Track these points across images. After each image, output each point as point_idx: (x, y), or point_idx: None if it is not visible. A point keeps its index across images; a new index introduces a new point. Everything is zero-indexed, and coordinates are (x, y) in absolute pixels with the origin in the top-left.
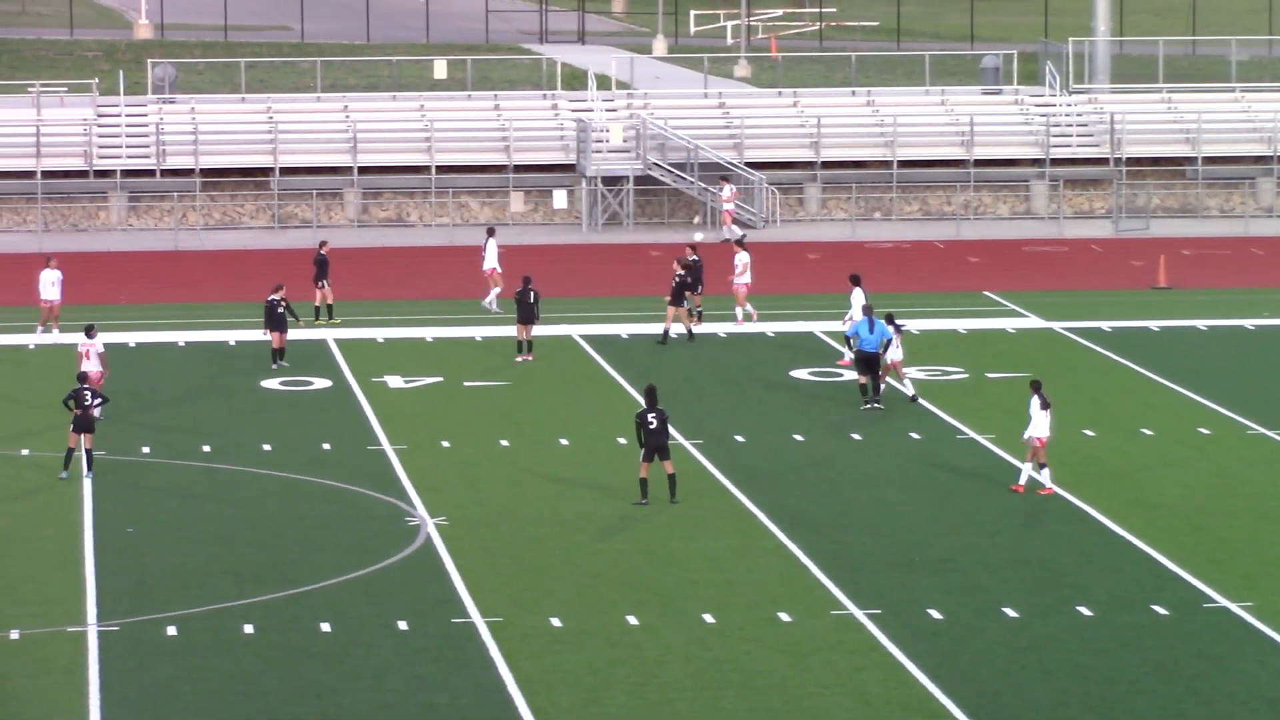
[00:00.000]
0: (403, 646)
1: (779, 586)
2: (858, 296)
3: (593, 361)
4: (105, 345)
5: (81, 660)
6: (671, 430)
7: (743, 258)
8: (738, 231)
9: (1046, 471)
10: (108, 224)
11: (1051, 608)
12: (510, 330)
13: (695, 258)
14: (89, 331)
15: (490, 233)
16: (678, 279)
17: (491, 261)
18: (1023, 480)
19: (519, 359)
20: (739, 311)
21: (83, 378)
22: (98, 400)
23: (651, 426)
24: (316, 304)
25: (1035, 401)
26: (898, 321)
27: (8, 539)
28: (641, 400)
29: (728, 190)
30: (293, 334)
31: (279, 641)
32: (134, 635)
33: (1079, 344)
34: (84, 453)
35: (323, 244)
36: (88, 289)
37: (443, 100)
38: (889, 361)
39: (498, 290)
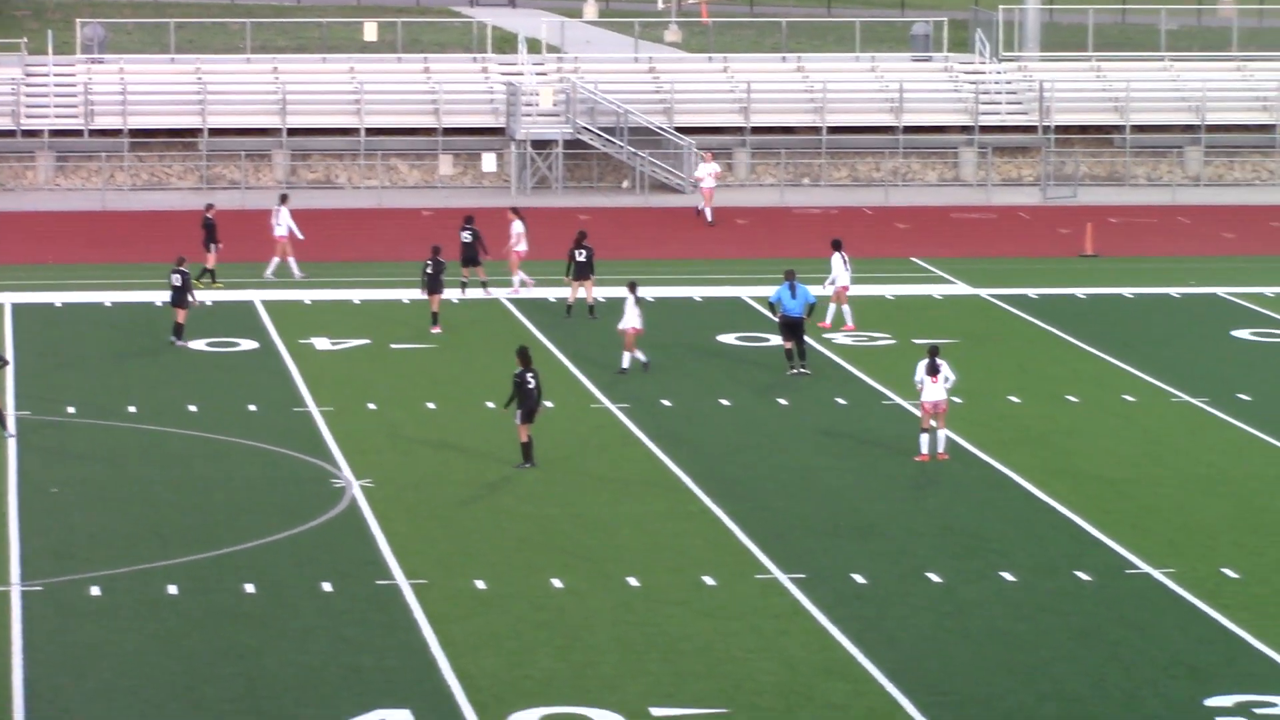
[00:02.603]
0: (327, 608)
1: (704, 551)
2: (837, 262)
3: (520, 324)
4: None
5: (4, 620)
6: (599, 394)
7: (517, 226)
8: (708, 214)
9: (942, 435)
10: (34, 184)
11: (975, 573)
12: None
13: (474, 228)
14: None
15: (283, 199)
16: (582, 253)
17: (283, 229)
18: (925, 449)
19: (434, 330)
20: (515, 279)
21: None
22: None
23: (530, 386)
24: (208, 266)
25: (923, 365)
26: (638, 293)
27: None
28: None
29: (706, 169)
30: (220, 295)
31: (203, 603)
32: (57, 596)
33: (1006, 311)
34: None
35: (209, 207)
36: (14, 249)
37: (372, 62)
38: (628, 329)
39: (278, 260)
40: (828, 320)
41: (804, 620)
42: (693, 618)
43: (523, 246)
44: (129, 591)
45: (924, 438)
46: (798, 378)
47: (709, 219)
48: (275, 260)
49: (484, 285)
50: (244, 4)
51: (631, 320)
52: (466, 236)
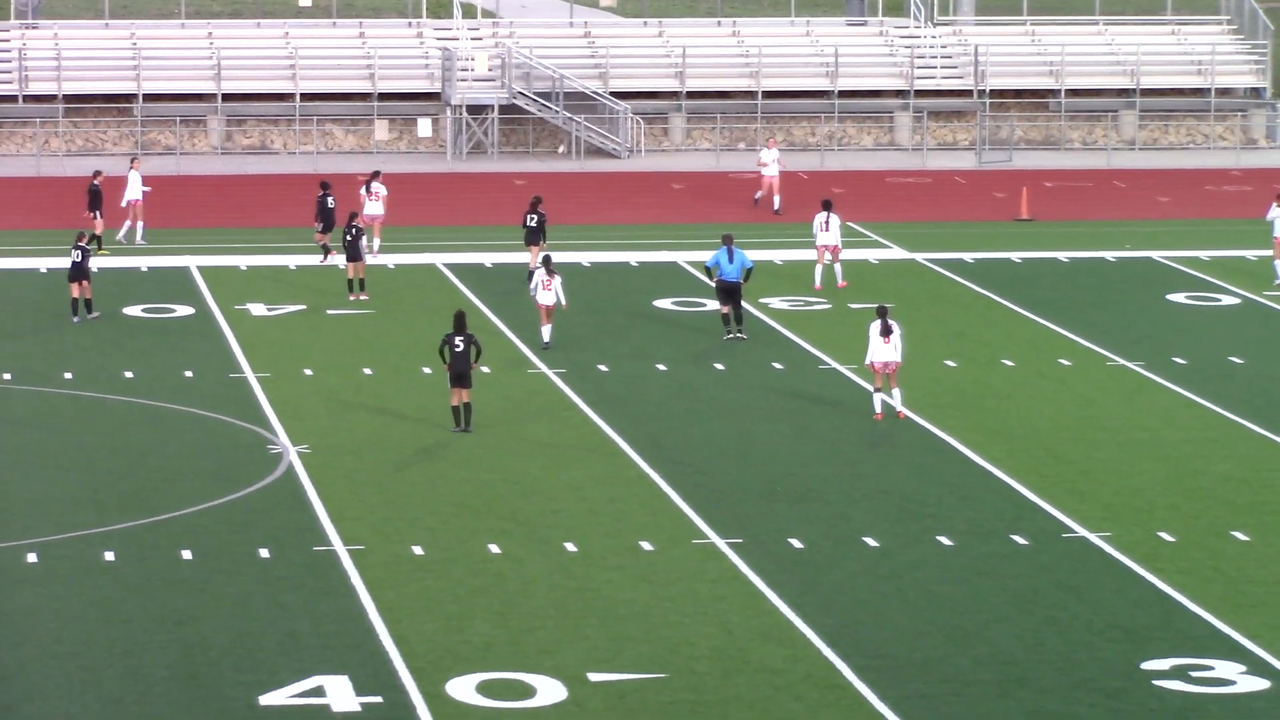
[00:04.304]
0: (264, 574)
1: (641, 516)
2: (816, 223)
3: (456, 290)
4: None
5: None
6: (535, 359)
7: (364, 191)
8: (775, 203)
9: (897, 394)
10: None
11: (912, 537)
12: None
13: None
14: None
15: (133, 162)
16: (533, 218)
17: (134, 193)
18: (879, 408)
19: (352, 297)
20: (374, 243)
21: None
22: None
23: (458, 350)
24: (96, 233)
25: (875, 326)
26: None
27: None
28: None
29: (770, 155)
30: (152, 260)
31: (139, 569)
32: None
33: (942, 275)
34: None
35: (96, 174)
36: None
37: (307, 27)
38: (541, 303)
39: (129, 225)
40: (840, 280)
41: (741, 585)
42: (630, 583)
43: (375, 210)
44: (65, 558)
45: (877, 398)
46: (734, 342)
47: (776, 208)
48: (127, 224)
49: (327, 251)
50: None
51: (543, 296)
52: (331, 203)
